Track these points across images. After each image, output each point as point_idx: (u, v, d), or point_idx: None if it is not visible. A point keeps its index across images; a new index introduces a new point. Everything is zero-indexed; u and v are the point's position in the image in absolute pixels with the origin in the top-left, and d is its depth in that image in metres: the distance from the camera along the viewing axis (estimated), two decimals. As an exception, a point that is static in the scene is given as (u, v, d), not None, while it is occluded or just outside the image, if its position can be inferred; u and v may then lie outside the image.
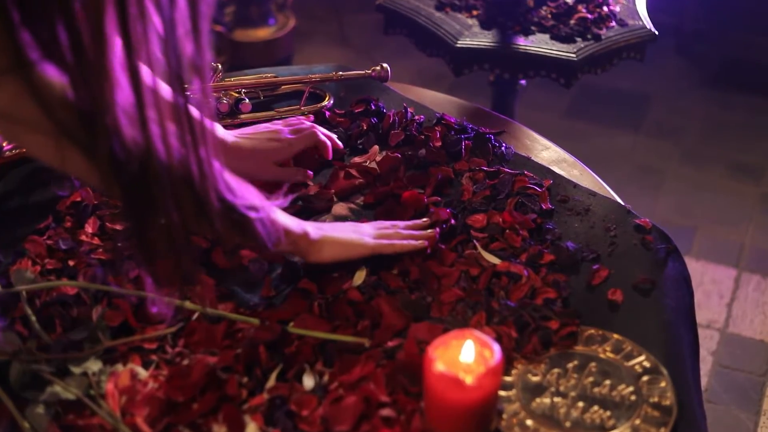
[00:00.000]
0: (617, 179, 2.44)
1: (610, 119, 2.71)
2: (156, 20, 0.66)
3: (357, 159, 1.16)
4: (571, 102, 2.80)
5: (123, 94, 0.67)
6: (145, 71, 0.68)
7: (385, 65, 1.24)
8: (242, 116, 1.20)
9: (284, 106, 1.24)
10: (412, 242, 0.97)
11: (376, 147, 1.17)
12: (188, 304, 0.90)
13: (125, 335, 0.88)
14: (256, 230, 0.83)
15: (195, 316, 0.90)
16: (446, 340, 0.77)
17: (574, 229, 1.03)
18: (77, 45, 0.65)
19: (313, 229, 0.94)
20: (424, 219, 1.01)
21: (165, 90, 0.70)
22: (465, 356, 0.76)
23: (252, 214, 0.82)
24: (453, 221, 1.02)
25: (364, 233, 0.97)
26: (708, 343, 1.93)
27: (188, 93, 0.71)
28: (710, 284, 2.09)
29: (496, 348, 0.76)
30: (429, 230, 0.99)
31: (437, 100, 1.30)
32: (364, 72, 1.25)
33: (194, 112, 0.72)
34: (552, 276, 0.95)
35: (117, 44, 0.66)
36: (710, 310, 2.02)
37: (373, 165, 1.13)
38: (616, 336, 0.89)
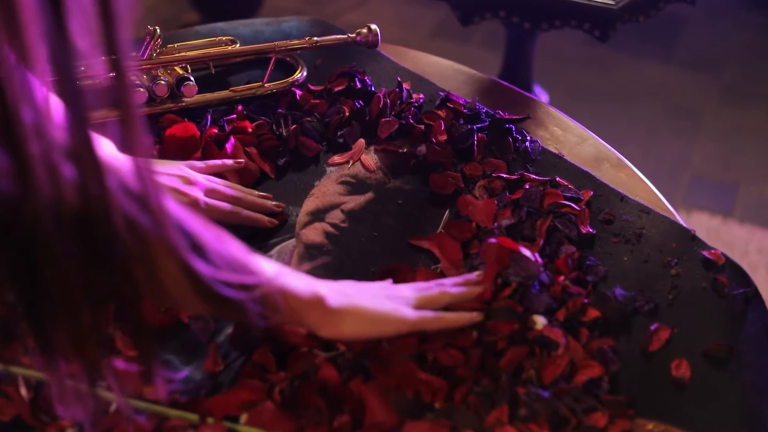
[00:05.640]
0: (645, 120, 2.22)
1: (638, 46, 2.47)
2: None
3: (337, 158, 0.94)
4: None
5: None
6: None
7: (373, 27, 1.01)
8: (186, 100, 0.97)
9: (243, 82, 1.01)
10: (466, 315, 0.74)
11: (362, 141, 0.95)
12: (104, 393, 0.70)
13: (19, 433, 0.69)
14: (245, 307, 0.63)
15: (113, 407, 0.71)
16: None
17: (622, 265, 0.82)
18: None
19: (331, 292, 0.71)
20: (478, 272, 0.78)
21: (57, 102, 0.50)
22: None
23: (241, 294, 0.62)
24: (544, 276, 0.78)
25: (402, 300, 0.74)
26: (755, 328, 1.74)
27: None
28: (756, 254, 1.89)
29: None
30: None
31: (440, 69, 1.07)
32: (346, 36, 1.02)
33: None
34: (597, 342, 0.75)
35: None
36: (758, 286, 1.81)
37: (359, 168, 0.92)
38: (683, 434, 0.70)
